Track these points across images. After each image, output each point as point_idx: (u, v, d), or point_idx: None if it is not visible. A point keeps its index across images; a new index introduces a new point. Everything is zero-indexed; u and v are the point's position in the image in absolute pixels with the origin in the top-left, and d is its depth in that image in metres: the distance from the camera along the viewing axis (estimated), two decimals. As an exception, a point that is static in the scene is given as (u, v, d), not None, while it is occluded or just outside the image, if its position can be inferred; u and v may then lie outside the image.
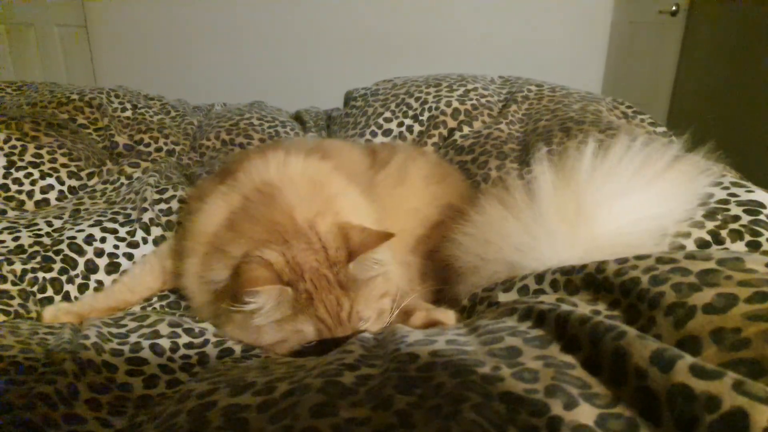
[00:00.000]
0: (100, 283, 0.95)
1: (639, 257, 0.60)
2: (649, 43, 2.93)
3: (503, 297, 0.70)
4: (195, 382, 0.57)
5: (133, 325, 0.77)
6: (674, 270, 0.54)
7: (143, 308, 0.92)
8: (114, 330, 0.74)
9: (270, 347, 0.73)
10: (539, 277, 0.69)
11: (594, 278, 0.61)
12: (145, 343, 0.71)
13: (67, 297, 0.91)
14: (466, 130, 1.39)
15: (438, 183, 1.00)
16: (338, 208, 0.79)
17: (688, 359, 0.40)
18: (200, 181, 1.19)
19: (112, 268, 0.97)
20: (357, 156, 1.04)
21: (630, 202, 0.71)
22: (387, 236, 0.72)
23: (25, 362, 0.64)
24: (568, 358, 0.49)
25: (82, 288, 0.93)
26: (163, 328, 0.75)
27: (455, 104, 1.44)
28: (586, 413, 0.41)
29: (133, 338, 0.73)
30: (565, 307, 0.56)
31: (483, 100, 1.46)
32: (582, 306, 0.58)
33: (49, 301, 0.89)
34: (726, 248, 0.65)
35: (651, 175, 0.72)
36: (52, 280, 0.90)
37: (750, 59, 2.35)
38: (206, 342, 0.75)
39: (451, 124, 1.42)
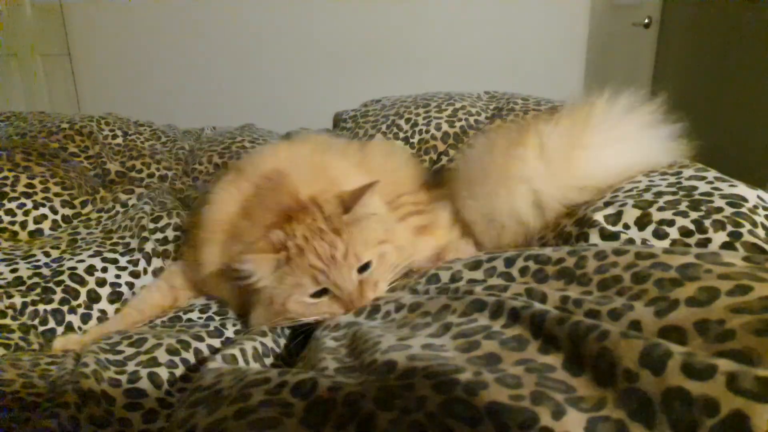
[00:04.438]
0: (103, 312, 0.95)
1: (617, 251, 0.60)
2: (625, 53, 3.02)
3: (468, 274, 0.72)
4: (177, 409, 0.55)
5: (130, 351, 0.75)
6: (655, 265, 0.54)
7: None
8: (111, 357, 0.73)
9: (282, 308, 0.77)
10: (509, 261, 0.69)
11: (571, 271, 0.61)
12: (143, 372, 0.70)
13: (70, 327, 0.90)
14: (452, 153, 1.42)
15: (419, 165, 1.11)
16: (341, 188, 0.85)
17: (677, 357, 0.40)
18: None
19: (115, 297, 0.97)
20: (342, 141, 1.14)
21: (613, 151, 0.86)
22: (372, 185, 0.80)
23: (27, 398, 0.63)
24: (548, 359, 0.48)
25: (85, 318, 0.92)
26: (162, 355, 0.74)
27: (445, 127, 1.47)
28: (575, 420, 0.41)
29: (130, 366, 0.71)
30: (538, 306, 0.56)
31: (471, 120, 1.49)
32: (551, 294, 0.58)
33: (52, 333, 0.88)
34: (708, 238, 0.66)
35: (628, 129, 0.86)
36: (54, 312, 0.90)
37: (719, 67, 2.44)
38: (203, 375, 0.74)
39: (441, 147, 1.44)
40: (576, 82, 2.80)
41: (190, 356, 0.76)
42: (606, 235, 0.73)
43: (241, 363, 0.66)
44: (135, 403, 0.66)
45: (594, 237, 0.74)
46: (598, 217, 0.74)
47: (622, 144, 0.86)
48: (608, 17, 2.94)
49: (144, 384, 0.68)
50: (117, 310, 0.96)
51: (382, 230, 0.83)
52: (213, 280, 0.89)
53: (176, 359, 0.74)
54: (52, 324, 0.89)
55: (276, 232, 0.78)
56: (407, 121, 1.51)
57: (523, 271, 0.66)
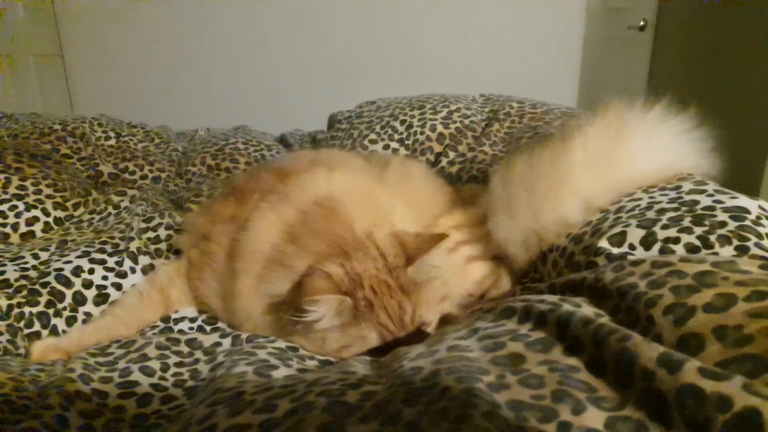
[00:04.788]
0: (88, 315, 0.93)
1: (634, 263, 0.61)
2: (620, 57, 3.03)
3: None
4: (193, 407, 0.56)
5: (119, 352, 0.76)
6: (671, 273, 0.55)
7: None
8: (101, 359, 0.74)
9: (335, 353, 0.74)
10: (551, 290, 0.71)
11: (594, 288, 0.62)
12: (134, 367, 0.71)
13: (54, 330, 0.89)
14: (451, 155, 1.41)
15: (435, 181, 1.08)
16: (392, 221, 0.83)
17: (696, 362, 0.41)
18: (215, 201, 1.11)
19: (101, 299, 0.95)
20: (361, 162, 1.07)
21: (653, 153, 0.84)
22: (441, 237, 0.76)
23: (18, 401, 0.63)
24: (572, 361, 0.49)
25: (70, 321, 0.91)
26: (151, 351, 0.75)
27: (440, 128, 1.46)
28: (594, 417, 0.42)
29: (121, 364, 0.72)
30: (566, 307, 0.57)
31: (467, 121, 1.49)
32: (585, 307, 0.58)
33: (37, 336, 0.87)
34: (716, 253, 0.65)
35: (666, 132, 0.85)
36: (39, 315, 0.88)
37: (714, 70, 2.45)
38: (197, 360, 0.74)
39: (437, 149, 1.44)
40: (572, 85, 2.81)
41: (182, 347, 0.77)
42: (613, 260, 0.71)
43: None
44: (128, 392, 0.67)
45: (602, 262, 0.72)
46: (603, 243, 0.74)
47: (660, 149, 0.85)
48: (604, 20, 2.96)
49: (136, 376, 0.69)
50: (104, 313, 0.93)
51: (443, 287, 0.80)
52: (248, 311, 0.83)
53: (167, 352, 0.75)
54: (37, 327, 0.88)
55: (332, 266, 0.74)
56: (402, 122, 1.51)
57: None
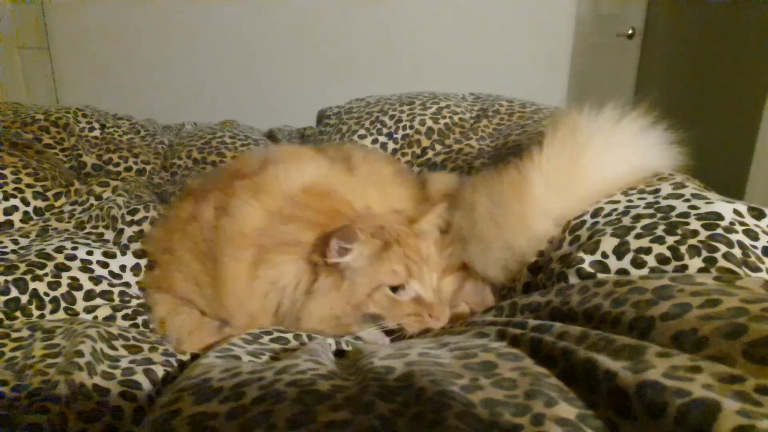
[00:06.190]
0: (73, 279, 0.90)
1: (597, 284, 0.63)
2: (609, 63, 3.06)
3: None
4: (161, 395, 0.56)
5: (124, 351, 0.75)
6: (632, 290, 0.58)
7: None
8: (106, 349, 0.72)
9: (365, 300, 0.77)
10: (512, 309, 0.73)
11: (560, 311, 0.64)
12: (138, 368, 0.69)
13: (35, 295, 0.85)
14: (438, 147, 1.41)
15: (401, 184, 1.04)
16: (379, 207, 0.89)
17: (660, 368, 0.43)
18: (171, 207, 1.09)
19: (86, 269, 0.92)
20: (314, 154, 1.04)
21: (613, 157, 0.85)
22: (438, 206, 0.86)
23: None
24: (543, 370, 0.51)
25: (54, 285, 0.88)
26: (157, 357, 0.74)
27: (429, 123, 1.46)
28: (566, 410, 0.43)
29: (124, 363, 0.70)
30: (535, 325, 0.59)
31: (456, 118, 1.49)
32: (556, 326, 0.60)
33: (15, 302, 0.84)
34: (685, 264, 0.65)
35: (623, 135, 0.86)
36: (16, 281, 0.85)
37: (701, 78, 2.49)
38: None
39: (425, 143, 1.44)
40: (560, 92, 2.83)
41: (186, 356, 0.77)
42: (584, 275, 0.72)
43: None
44: (129, 393, 0.64)
45: (572, 275, 0.72)
46: (579, 254, 0.74)
47: (619, 152, 0.85)
48: (593, 27, 2.98)
49: (139, 378, 0.68)
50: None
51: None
52: (242, 301, 0.81)
53: (172, 360, 0.74)
54: (15, 293, 0.85)
55: (350, 226, 0.76)
56: (391, 117, 1.50)
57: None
